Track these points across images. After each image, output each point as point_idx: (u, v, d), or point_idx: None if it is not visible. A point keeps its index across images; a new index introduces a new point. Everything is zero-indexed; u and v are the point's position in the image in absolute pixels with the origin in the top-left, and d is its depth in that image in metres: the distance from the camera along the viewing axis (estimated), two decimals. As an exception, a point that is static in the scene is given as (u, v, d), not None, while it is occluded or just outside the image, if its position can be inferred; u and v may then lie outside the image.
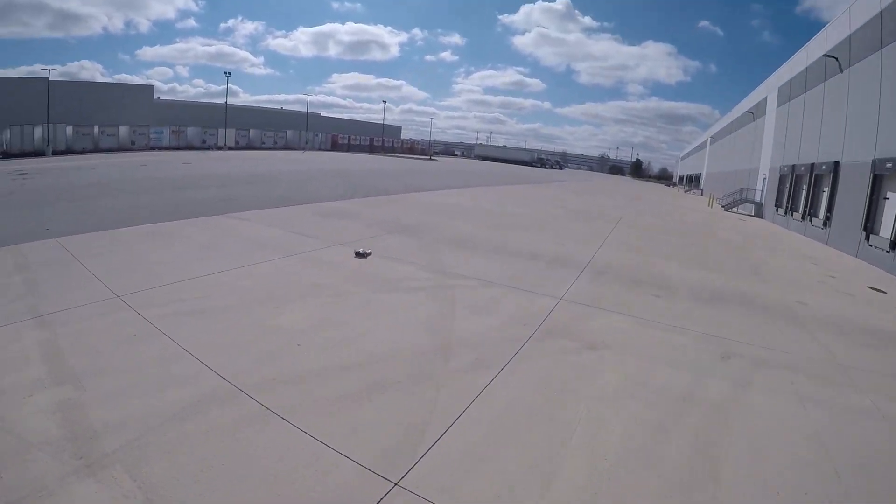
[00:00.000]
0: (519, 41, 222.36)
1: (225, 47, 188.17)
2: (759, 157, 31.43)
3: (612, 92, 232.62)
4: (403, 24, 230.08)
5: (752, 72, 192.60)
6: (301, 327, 5.79)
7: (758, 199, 30.62)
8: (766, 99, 31.31)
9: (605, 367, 5.43)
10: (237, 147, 54.60)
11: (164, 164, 27.30)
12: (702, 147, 65.38)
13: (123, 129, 43.10)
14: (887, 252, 14.39)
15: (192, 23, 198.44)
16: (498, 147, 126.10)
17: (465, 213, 15.12)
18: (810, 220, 21.19)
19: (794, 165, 23.92)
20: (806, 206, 21.72)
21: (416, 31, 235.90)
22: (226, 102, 61.58)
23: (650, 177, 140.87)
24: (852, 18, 18.31)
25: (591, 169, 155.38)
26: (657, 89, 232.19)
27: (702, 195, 59.20)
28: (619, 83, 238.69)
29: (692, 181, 70.97)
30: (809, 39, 23.70)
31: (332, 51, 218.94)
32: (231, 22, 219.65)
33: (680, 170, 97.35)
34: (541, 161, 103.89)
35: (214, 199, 14.84)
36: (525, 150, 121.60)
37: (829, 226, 19.10)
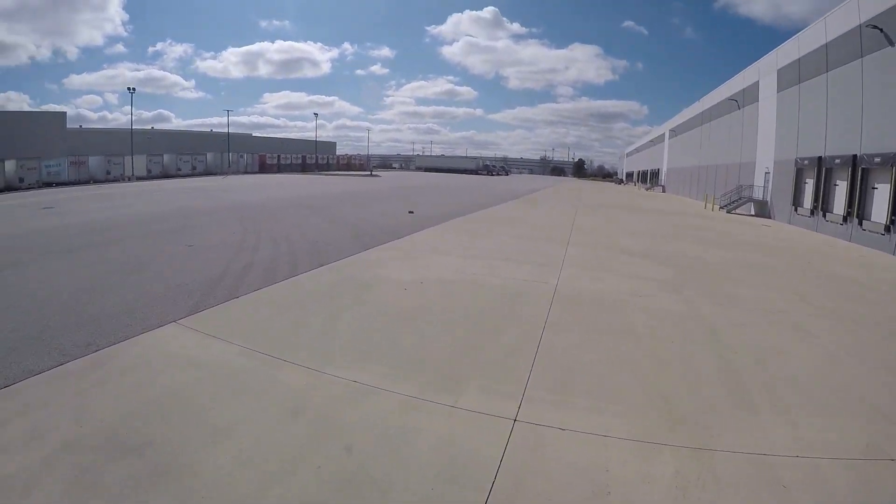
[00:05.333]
0: (447, 51, 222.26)
1: (154, 71, 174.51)
2: (756, 148, 29.03)
3: (542, 95, 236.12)
4: (333, 40, 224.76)
5: (678, 66, 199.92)
6: None
7: (760, 196, 28.10)
8: (757, 84, 28.94)
9: None
10: (149, 176, 46.99)
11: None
12: (657, 141, 64.21)
13: (10, 164, 35.23)
14: None
15: (120, 48, 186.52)
16: (438, 157, 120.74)
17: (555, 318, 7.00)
18: (859, 223, 18.29)
19: (820, 157, 21.18)
20: (849, 205, 18.88)
21: (347, 45, 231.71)
22: (130, 126, 53.78)
23: (592, 176, 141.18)
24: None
25: (531, 172, 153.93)
26: (586, 90, 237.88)
27: (664, 192, 57.58)
28: (549, 86, 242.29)
29: (647, 178, 69.65)
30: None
31: (263, 70, 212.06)
32: (160, 45, 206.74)
33: (626, 166, 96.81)
34: (486, 168, 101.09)
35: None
36: (468, 157, 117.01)
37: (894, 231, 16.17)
